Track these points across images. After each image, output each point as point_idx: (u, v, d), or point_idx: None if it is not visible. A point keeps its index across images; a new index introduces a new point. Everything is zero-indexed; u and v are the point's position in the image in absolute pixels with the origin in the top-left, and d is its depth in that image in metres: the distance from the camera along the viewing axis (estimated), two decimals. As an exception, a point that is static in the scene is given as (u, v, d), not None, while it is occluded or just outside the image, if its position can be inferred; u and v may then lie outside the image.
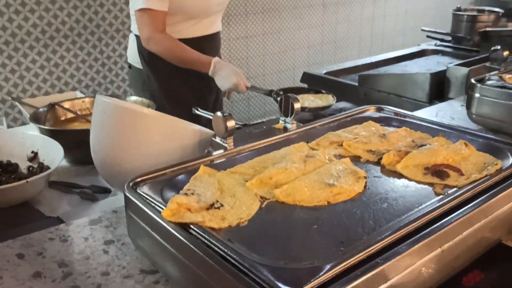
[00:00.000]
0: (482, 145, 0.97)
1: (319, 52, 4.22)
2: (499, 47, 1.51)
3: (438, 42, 2.85)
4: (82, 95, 1.71)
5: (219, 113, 0.98)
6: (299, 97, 1.77)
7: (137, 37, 1.84)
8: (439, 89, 1.92)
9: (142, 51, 1.82)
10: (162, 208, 0.74)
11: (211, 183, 0.84)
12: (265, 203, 0.80)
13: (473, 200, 0.77)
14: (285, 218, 0.76)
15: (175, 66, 1.78)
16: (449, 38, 2.81)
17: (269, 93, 1.69)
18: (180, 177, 0.87)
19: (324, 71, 2.40)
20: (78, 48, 2.94)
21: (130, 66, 1.96)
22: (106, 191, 1.23)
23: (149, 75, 1.85)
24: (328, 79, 2.33)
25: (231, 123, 0.97)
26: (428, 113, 1.60)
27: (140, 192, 0.81)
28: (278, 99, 1.67)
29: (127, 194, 0.80)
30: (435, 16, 4.99)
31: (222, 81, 1.69)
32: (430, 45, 2.87)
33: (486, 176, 0.84)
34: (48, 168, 1.24)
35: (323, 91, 1.80)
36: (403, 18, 4.78)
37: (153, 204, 0.77)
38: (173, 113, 1.85)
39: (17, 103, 1.70)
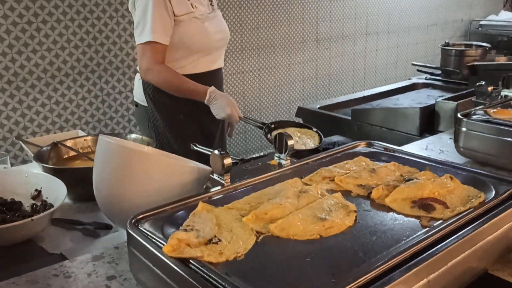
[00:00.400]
0: (466, 178, 1.02)
1: (314, 86, 4.32)
2: (483, 82, 1.58)
3: (428, 76, 2.94)
4: (84, 134, 1.77)
5: (216, 151, 1.03)
6: (289, 130, 1.79)
7: None
8: (429, 122, 1.99)
9: (147, 89, 1.90)
10: (163, 244, 0.78)
11: (209, 219, 0.88)
12: (260, 237, 0.84)
13: (457, 232, 0.81)
14: (280, 251, 0.81)
15: (180, 102, 1.85)
16: (439, 71, 2.90)
17: (261, 126, 1.77)
18: (179, 213, 0.91)
19: (318, 106, 2.48)
20: (78, 86, 3.02)
21: (136, 104, 2.04)
22: (107, 228, 1.27)
23: (154, 112, 1.91)
24: (322, 113, 2.40)
25: (227, 161, 1.02)
26: (418, 146, 1.65)
27: (142, 229, 0.85)
28: (268, 136, 1.73)
29: (130, 231, 0.84)
30: (426, 50, 5.13)
31: (217, 111, 1.78)
32: (420, 78, 2.96)
33: (469, 208, 0.89)
34: (51, 206, 1.28)
35: (314, 129, 1.79)
36: (395, 52, 4.91)
37: (154, 240, 0.81)
38: (179, 149, 1.93)
39: (20, 142, 1.75)
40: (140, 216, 0.89)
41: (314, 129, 1.79)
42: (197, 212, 0.91)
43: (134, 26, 1.84)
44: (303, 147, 1.65)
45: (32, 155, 1.55)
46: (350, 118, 2.26)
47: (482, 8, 5.71)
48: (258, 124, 1.81)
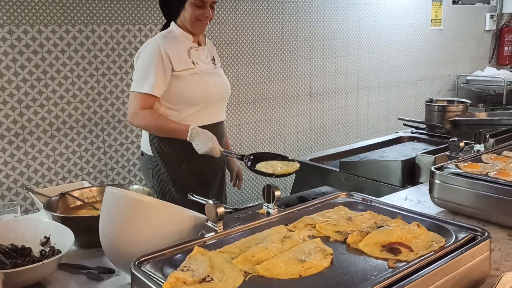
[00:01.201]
0: (432, 225, 1.15)
1: (308, 138, 4.49)
2: (456, 139, 1.73)
3: (414, 130, 3.11)
4: (89, 185, 1.90)
5: (211, 201, 1.17)
6: (269, 163, 1.85)
7: None
8: (410, 174, 2.13)
9: (153, 140, 2.04)
10: (163, 282, 0.90)
11: (204, 261, 1.00)
12: (248, 277, 0.96)
13: (417, 272, 0.93)
14: (264, 289, 0.93)
15: (183, 154, 1.98)
16: (424, 126, 3.08)
17: (241, 157, 1.90)
18: (177, 256, 1.04)
19: (309, 158, 2.63)
20: (82, 138, 3.17)
21: (142, 153, 2.18)
22: (110, 272, 1.37)
23: (158, 162, 2.05)
24: (312, 165, 2.54)
25: (220, 210, 1.15)
26: (398, 197, 1.79)
27: (144, 270, 0.97)
28: (249, 164, 1.83)
29: (133, 271, 0.96)
30: (415, 103, 5.35)
31: (199, 146, 1.89)
32: (406, 132, 3.12)
33: (430, 251, 1.01)
34: (59, 251, 1.39)
35: (289, 158, 1.89)
36: (386, 105, 5.12)
37: (155, 279, 0.93)
38: (179, 197, 2.04)
39: (30, 193, 1.88)
40: (143, 259, 1.01)
41: (290, 158, 1.89)
42: (193, 255, 1.03)
43: (133, 72, 2.00)
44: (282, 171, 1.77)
45: (41, 204, 1.67)
46: (338, 169, 2.40)
47: (468, 64, 5.99)
48: (238, 156, 1.91)
